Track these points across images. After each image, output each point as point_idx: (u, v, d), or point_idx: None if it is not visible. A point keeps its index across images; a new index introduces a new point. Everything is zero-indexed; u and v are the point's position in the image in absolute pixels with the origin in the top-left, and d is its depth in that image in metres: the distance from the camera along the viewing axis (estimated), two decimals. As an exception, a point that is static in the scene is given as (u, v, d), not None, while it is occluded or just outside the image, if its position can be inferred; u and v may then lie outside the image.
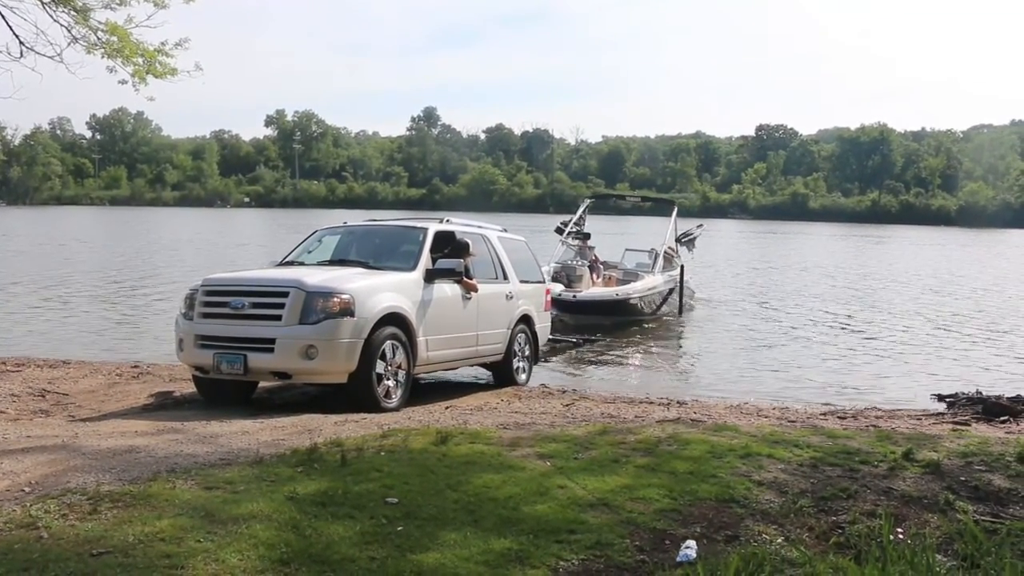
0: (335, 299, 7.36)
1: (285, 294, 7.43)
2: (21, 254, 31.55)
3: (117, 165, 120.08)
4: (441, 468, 4.91)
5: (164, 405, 8.13)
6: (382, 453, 5.23)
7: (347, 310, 7.37)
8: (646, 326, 16.79)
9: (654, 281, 17.57)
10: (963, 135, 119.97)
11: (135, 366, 10.36)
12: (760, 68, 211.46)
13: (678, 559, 3.76)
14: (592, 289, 16.84)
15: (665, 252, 18.75)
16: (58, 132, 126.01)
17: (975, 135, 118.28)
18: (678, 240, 20.19)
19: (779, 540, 4.04)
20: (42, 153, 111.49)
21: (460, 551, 3.70)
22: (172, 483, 4.45)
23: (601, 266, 18.29)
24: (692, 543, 3.90)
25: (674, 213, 20.75)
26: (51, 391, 8.63)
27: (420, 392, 8.80)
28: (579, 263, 17.48)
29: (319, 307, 7.33)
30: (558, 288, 15.73)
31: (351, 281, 7.73)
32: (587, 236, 18.84)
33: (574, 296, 15.94)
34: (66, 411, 7.80)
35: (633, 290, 16.84)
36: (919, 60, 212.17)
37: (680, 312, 18.22)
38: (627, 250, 20.00)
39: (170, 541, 3.62)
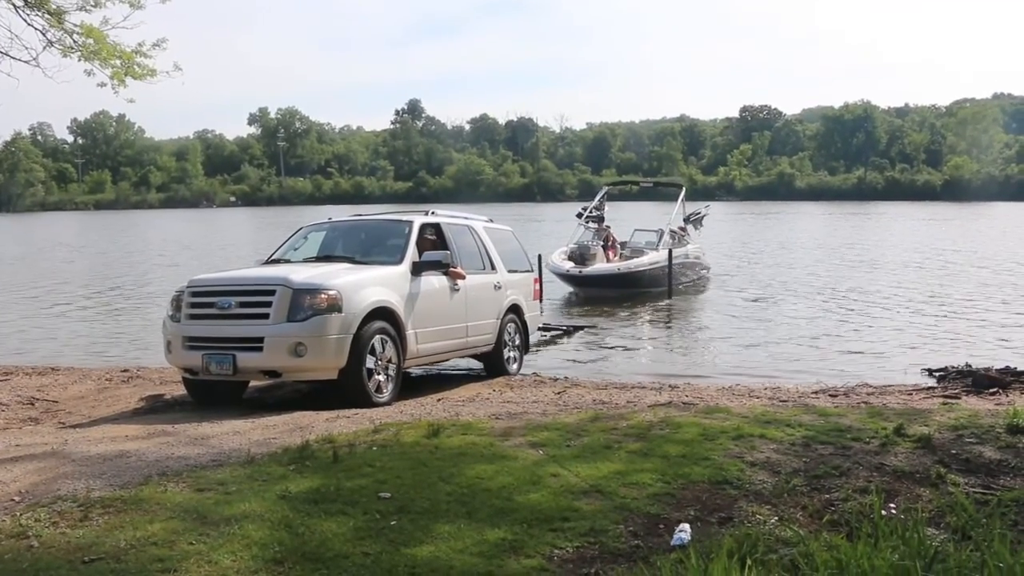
0: (322, 295, 7.34)
1: (272, 292, 7.39)
2: (4, 262, 31.28)
3: (100, 169, 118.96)
4: (433, 461, 4.91)
5: (155, 408, 8.09)
6: (374, 448, 5.22)
7: (335, 306, 7.34)
8: (636, 310, 16.92)
9: (656, 257, 19.51)
10: (946, 110, 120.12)
11: (125, 370, 10.30)
12: (742, 50, 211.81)
13: (672, 543, 3.77)
14: (597, 265, 18.72)
15: (672, 231, 20.62)
16: (39, 137, 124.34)
17: (958, 109, 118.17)
18: (686, 220, 22.11)
19: (772, 520, 4.05)
20: (24, 159, 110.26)
21: (454, 543, 3.70)
22: (163, 486, 4.43)
23: (618, 245, 20.62)
24: (686, 526, 3.91)
25: (681, 195, 23.13)
26: (40, 398, 8.57)
27: (411, 385, 8.78)
28: (594, 243, 19.73)
29: (306, 304, 7.30)
30: (568, 265, 18.52)
31: (338, 277, 7.71)
32: (601, 219, 21.36)
33: (580, 271, 18.50)
34: (56, 418, 7.75)
35: (635, 265, 19.18)
36: (899, 42, 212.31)
37: (670, 295, 18.48)
38: (636, 230, 22.35)
39: (162, 544, 3.61)
